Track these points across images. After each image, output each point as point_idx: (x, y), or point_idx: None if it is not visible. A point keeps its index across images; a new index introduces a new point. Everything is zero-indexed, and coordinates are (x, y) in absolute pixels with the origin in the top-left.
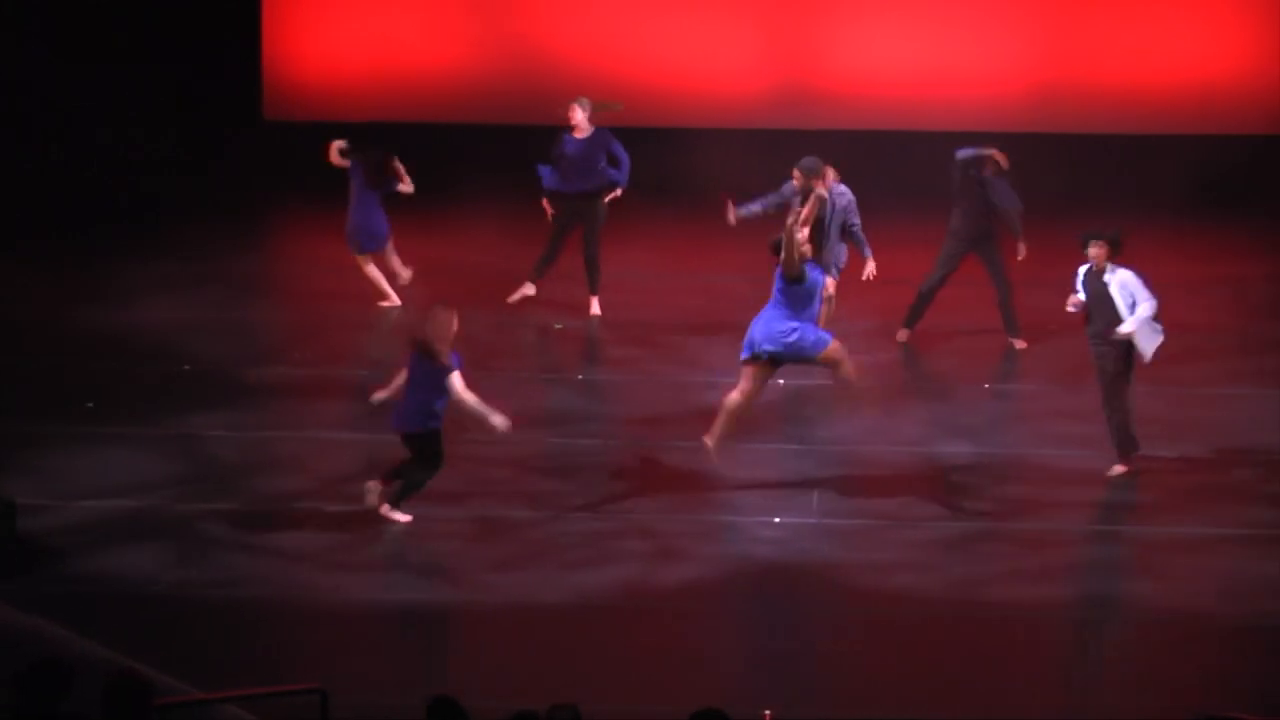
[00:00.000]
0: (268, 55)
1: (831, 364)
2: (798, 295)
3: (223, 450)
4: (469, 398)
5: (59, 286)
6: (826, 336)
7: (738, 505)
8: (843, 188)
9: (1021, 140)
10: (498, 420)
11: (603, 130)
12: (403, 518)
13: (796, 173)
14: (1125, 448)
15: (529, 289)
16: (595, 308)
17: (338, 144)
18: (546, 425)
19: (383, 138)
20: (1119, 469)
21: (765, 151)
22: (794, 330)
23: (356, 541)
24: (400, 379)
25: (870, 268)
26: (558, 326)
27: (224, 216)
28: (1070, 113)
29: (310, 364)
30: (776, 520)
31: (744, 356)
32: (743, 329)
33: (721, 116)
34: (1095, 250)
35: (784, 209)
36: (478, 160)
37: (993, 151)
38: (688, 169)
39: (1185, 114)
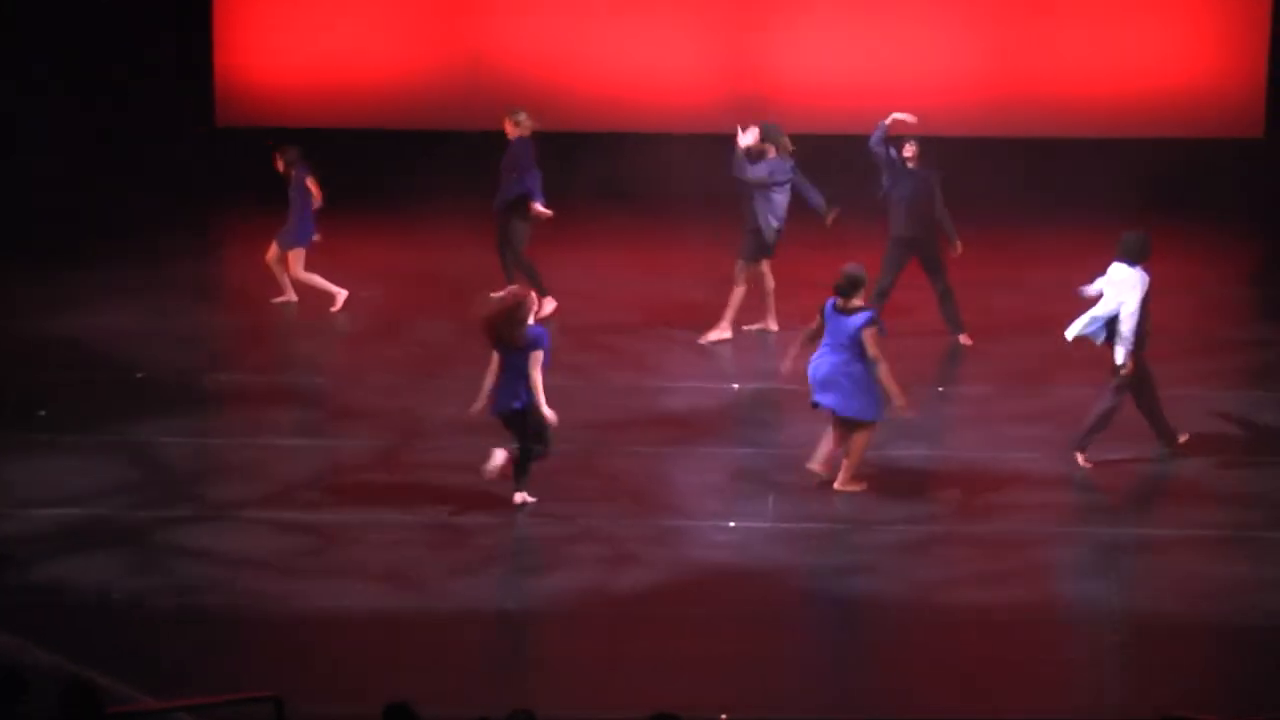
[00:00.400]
0: (219, 62)
1: (845, 442)
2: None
3: (176, 457)
4: (535, 378)
5: (11, 293)
6: (870, 412)
7: (692, 510)
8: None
9: (979, 144)
10: (547, 412)
11: (515, 142)
12: (524, 499)
13: (756, 131)
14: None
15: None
16: (545, 306)
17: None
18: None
19: (334, 144)
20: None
21: (722, 155)
22: (845, 386)
23: (312, 548)
24: (488, 382)
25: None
26: None
27: (176, 222)
28: (1028, 117)
29: (263, 370)
30: (732, 524)
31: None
32: (696, 332)
33: (675, 121)
34: None
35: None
36: (430, 166)
37: (892, 118)
38: (639, 173)
39: (1143, 118)
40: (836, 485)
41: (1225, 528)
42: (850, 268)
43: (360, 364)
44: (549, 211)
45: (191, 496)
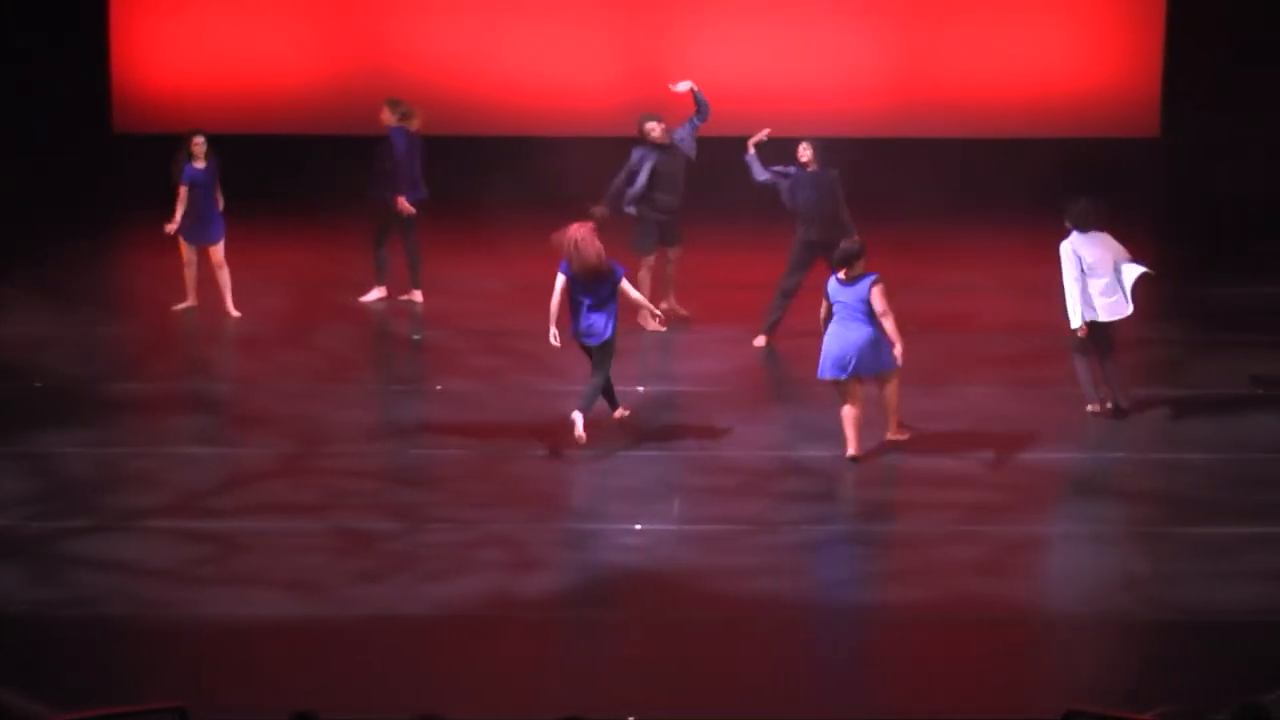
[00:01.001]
0: (116, 67)
1: (885, 384)
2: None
3: (76, 467)
4: (636, 297)
5: None
6: (892, 362)
7: (599, 513)
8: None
9: (883, 145)
10: (654, 324)
11: (389, 132)
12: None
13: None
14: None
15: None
16: (373, 293)
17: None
18: (406, 436)
19: (233, 149)
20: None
21: (627, 158)
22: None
23: (215, 556)
24: (554, 309)
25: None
26: (416, 338)
27: (72, 230)
28: (932, 119)
29: (164, 378)
30: (638, 527)
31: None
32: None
33: (581, 125)
34: None
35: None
36: (331, 171)
37: (751, 146)
38: (547, 177)
39: (1043, 119)
40: (890, 436)
41: (1125, 523)
42: (845, 242)
43: (262, 370)
44: (411, 209)
45: (92, 506)
